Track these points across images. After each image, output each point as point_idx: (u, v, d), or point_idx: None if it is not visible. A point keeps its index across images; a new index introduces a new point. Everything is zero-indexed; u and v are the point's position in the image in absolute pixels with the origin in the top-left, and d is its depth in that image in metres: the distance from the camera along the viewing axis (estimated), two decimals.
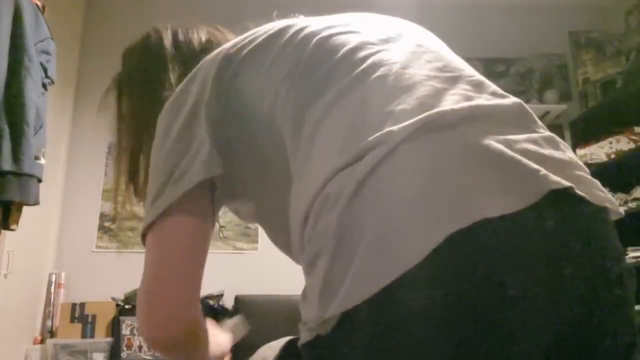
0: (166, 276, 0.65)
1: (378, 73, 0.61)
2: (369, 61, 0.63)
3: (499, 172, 0.50)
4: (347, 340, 0.50)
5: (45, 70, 1.97)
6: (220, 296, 3.06)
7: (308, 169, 0.59)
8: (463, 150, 0.52)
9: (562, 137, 3.49)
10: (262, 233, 3.30)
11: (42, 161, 1.90)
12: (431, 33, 0.76)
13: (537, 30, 3.67)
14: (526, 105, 0.65)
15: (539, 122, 0.64)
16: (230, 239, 3.28)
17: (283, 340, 3.04)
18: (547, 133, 0.61)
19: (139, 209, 2.91)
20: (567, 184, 0.51)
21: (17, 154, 1.75)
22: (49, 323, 2.96)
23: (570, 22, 3.67)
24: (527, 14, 3.70)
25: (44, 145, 1.94)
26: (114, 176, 0.92)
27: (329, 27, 0.73)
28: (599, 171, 3.09)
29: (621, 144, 2.99)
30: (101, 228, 3.25)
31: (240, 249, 3.27)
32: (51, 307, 2.99)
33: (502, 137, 0.54)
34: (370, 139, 0.53)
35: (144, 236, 0.67)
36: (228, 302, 3.11)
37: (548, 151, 0.56)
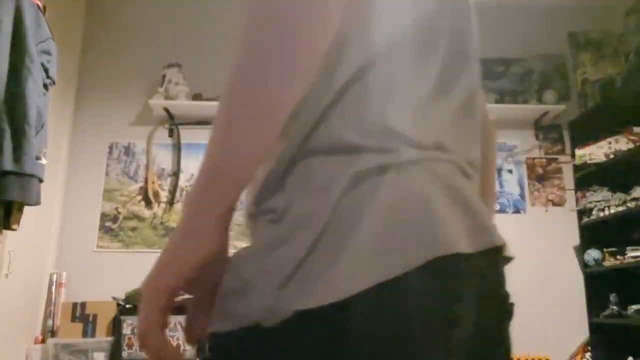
0: None
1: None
2: None
3: (468, 216, 0.58)
4: (305, 337, 0.50)
5: (46, 70, 1.98)
6: None
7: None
8: (448, 185, 0.58)
9: (561, 138, 3.51)
10: None
11: (44, 161, 1.91)
12: None
13: (536, 31, 3.68)
14: None
15: None
16: (230, 239, 3.29)
17: None
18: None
19: (139, 209, 2.94)
20: (501, 242, 0.61)
21: (18, 154, 1.75)
22: (49, 323, 2.97)
23: (570, 23, 3.68)
24: (526, 14, 3.71)
25: (45, 146, 1.95)
26: None
27: None
28: (598, 171, 3.10)
29: (620, 144, 2.99)
30: (102, 228, 3.26)
31: None
32: (52, 306, 3.00)
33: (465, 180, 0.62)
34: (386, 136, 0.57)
35: None
36: None
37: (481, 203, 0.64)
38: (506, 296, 0.65)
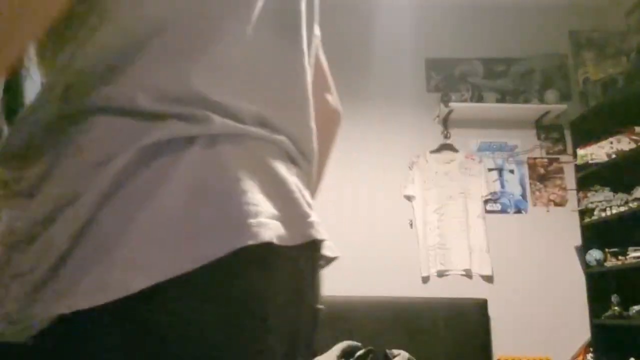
0: None
1: None
2: None
3: (286, 205, 0.51)
4: (69, 349, 0.41)
5: None
6: None
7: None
8: (266, 168, 0.51)
9: (563, 137, 3.49)
10: None
11: None
12: None
13: (537, 30, 3.67)
14: None
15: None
16: None
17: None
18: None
19: None
20: (323, 237, 0.56)
21: None
22: None
23: (571, 22, 3.66)
24: (527, 14, 3.69)
25: None
26: None
27: None
28: (600, 171, 3.08)
29: (622, 143, 2.98)
30: None
31: None
32: None
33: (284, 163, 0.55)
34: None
35: None
36: None
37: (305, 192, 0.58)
38: (316, 299, 0.60)
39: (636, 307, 2.79)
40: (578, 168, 3.27)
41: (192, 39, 0.49)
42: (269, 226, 0.48)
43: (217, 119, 0.47)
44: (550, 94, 3.42)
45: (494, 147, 3.49)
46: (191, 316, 0.43)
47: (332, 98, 0.81)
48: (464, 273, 3.24)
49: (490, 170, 3.44)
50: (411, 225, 3.33)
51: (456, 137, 3.49)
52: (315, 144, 0.63)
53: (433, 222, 3.31)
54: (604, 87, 3.27)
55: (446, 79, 3.57)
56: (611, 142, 3.03)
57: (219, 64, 0.50)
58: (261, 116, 0.52)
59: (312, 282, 0.59)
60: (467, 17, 3.68)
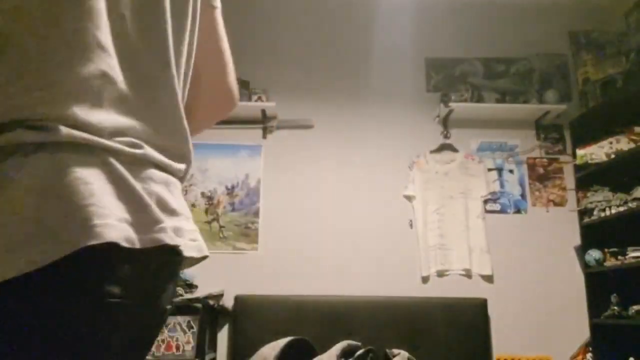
0: None
1: None
2: None
3: (132, 209, 0.55)
4: None
5: None
6: (220, 296, 3.06)
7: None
8: (116, 175, 0.55)
9: (562, 137, 3.50)
10: (262, 233, 3.30)
11: None
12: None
13: (537, 30, 3.67)
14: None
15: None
16: (230, 239, 3.28)
17: (284, 340, 3.05)
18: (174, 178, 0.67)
19: None
20: (175, 242, 0.61)
21: None
22: None
23: (570, 22, 3.67)
24: (527, 14, 3.69)
25: None
26: None
27: None
28: (599, 171, 3.09)
29: (621, 144, 2.98)
30: None
31: (240, 249, 3.26)
32: None
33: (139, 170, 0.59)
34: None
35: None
36: (228, 302, 3.11)
37: (175, 200, 0.63)
38: (167, 300, 0.64)
39: (635, 307, 2.79)
40: (577, 168, 3.27)
41: (44, 56, 0.51)
42: (115, 228, 0.51)
43: (64, 129, 0.50)
44: (550, 94, 3.43)
45: (494, 147, 3.49)
46: (38, 312, 0.47)
47: (229, 80, 0.86)
48: (463, 273, 3.25)
49: (490, 170, 3.44)
50: (411, 225, 3.34)
51: (456, 137, 3.49)
52: (189, 145, 0.67)
53: (433, 222, 3.31)
54: (604, 87, 3.27)
55: (446, 79, 3.57)
56: (611, 142, 3.03)
57: (77, 80, 0.53)
58: (120, 129, 0.56)
59: (163, 285, 0.62)
60: (467, 17, 3.68)
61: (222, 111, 0.88)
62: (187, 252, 0.65)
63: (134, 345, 0.59)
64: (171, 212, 0.62)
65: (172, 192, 0.63)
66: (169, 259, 0.62)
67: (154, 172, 0.60)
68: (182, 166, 0.67)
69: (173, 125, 0.65)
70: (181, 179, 0.68)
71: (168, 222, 0.60)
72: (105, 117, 0.55)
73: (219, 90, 0.85)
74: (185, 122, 0.66)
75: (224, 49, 0.86)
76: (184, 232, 0.65)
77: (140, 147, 0.58)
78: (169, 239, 0.59)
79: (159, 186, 0.61)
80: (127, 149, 0.56)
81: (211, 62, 0.82)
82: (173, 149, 0.64)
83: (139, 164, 0.58)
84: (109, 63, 0.56)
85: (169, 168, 0.63)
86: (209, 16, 0.79)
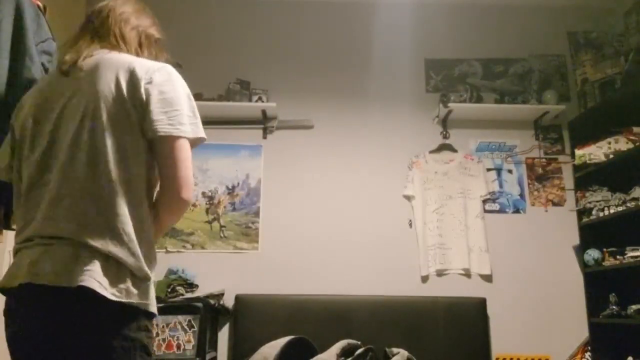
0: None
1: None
2: None
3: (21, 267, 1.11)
4: None
5: (46, 70, 1.97)
6: (220, 295, 3.07)
7: None
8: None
9: (561, 137, 3.51)
10: (262, 233, 3.31)
11: None
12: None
13: (536, 31, 3.68)
14: None
15: None
16: (231, 239, 3.29)
17: (284, 339, 3.06)
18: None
19: None
20: (45, 281, 1.02)
21: None
22: None
23: (569, 23, 3.68)
24: (526, 15, 3.71)
25: None
26: None
27: None
28: (598, 171, 3.10)
29: (620, 144, 2.99)
30: None
31: (241, 248, 3.28)
32: None
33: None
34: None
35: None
36: (228, 301, 3.12)
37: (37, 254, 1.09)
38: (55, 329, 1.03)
39: (634, 307, 2.80)
40: (576, 168, 3.28)
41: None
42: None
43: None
44: (549, 95, 3.44)
45: (493, 147, 3.50)
46: None
47: (175, 186, 1.16)
48: (463, 272, 3.26)
49: (489, 170, 3.45)
50: (410, 225, 3.35)
51: (455, 137, 3.50)
52: (123, 234, 1.07)
53: (432, 221, 3.32)
54: (602, 88, 3.28)
55: (445, 80, 3.58)
56: (609, 143, 3.04)
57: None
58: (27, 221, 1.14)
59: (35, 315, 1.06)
60: (466, 18, 3.69)
61: (175, 211, 1.26)
62: (58, 281, 1.06)
63: None
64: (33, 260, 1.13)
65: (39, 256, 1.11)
66: (36, 297, 1.08)
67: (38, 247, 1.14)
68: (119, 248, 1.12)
69: (106, 224, 1.13)
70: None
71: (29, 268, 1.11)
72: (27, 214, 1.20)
73: (169, 196, 1.25)
74: (118, 219, 1.15)
75: (166, 156, 1.27)
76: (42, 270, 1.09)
77: (54, 239, 1.13)
78: (42, 278, 1.07)
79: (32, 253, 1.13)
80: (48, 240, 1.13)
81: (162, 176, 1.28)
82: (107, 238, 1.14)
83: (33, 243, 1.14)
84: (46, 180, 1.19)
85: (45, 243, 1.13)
86: None
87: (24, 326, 1.03)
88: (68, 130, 1.11)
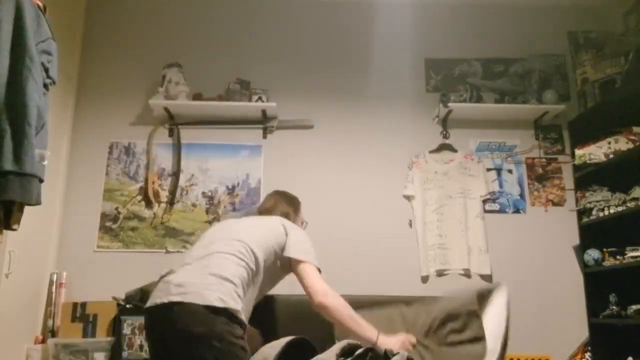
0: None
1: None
2: None
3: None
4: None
5: (46, 70, 1.97)
6: None
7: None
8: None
9: (561, 137, 3.51)
10: None
11: (46, 162, 1.91)
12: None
13: (536, 31, 3.68)
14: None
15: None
16: None
17: (284, 340, 3.08)
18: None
19: (140, 209, 3.11)
20: (165, 301, 1.76)
21: (18, 154, 1.75)
22: (50, 322, 2.97)
23: (569, 22, 3.68)
24: (526, 14, 3.71)
25: (47, 147, 1.95)
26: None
27: None
28: (598, 171, 3.10)
29: (620, 144, 2.99)
30: (102, 228, 3.26)
31: None
32: (52, 306, 3.00)
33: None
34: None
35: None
36: None
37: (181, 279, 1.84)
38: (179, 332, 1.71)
39: (634, 307, 2.80)
40: (576, 168, 3.28)
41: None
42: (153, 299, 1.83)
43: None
44: (549, 94, 3.44)
45: (493, 147, 3.50)
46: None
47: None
48: (463, 272, 3.26)
49: (488, 170, 3.45)
50: (410, 225, 3.35)
51: (455, 137, 3.50)
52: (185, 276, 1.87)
53: (432, 221, 3.32)
54: (602, 88, 3.29)
55: (445, 79, 3.58)
56: (609, 142, 3.04)
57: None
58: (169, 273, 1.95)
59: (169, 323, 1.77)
60: (467, 18, 3.69)
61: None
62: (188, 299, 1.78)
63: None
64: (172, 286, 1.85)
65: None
66: (169, 312, 1.81)
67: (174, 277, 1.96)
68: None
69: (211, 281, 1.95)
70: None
71: (170, 292, 1.88)
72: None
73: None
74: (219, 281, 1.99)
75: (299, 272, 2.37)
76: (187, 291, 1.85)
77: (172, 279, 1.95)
78: (172, 297, 1.84)
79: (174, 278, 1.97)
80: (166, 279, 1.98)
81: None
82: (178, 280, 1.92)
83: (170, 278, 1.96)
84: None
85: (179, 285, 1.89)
86: None
87: None
88: None
